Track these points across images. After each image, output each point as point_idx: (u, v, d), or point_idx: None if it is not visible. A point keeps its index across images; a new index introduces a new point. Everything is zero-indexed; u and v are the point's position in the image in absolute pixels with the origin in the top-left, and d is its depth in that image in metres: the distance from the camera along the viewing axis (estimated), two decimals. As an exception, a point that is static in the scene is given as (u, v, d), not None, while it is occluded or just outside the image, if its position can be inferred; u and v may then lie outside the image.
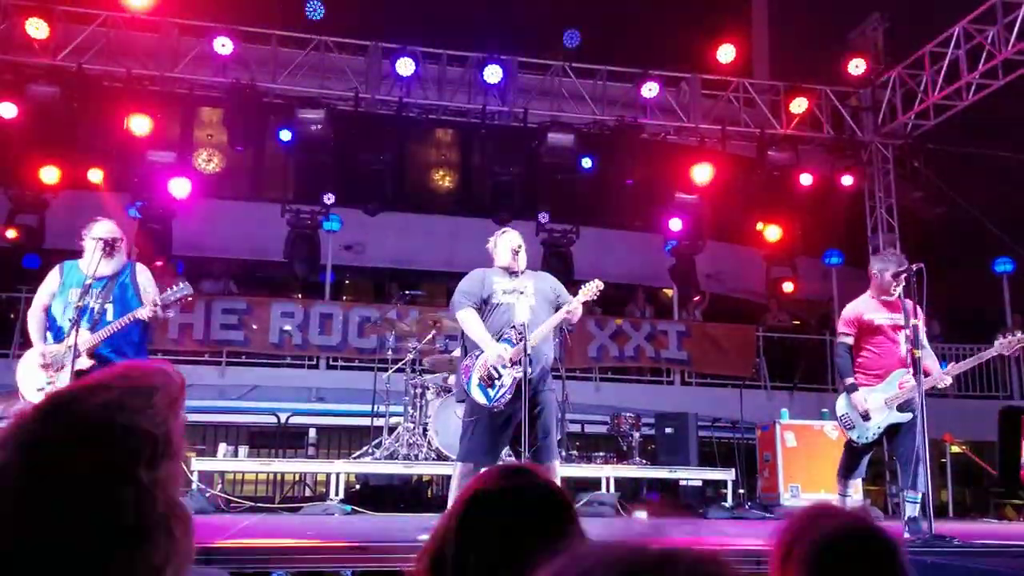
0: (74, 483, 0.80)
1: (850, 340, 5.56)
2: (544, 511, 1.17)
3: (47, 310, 5.03)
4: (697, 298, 12.93)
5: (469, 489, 1.24)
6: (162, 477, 0.84)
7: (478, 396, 4.77)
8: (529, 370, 4.59)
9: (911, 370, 5.09)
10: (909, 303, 5.22)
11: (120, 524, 0.80)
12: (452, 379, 7.29)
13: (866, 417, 5.39)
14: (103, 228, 5.00)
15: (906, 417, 5.29)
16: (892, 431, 5.41)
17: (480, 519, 1.16)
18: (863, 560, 1.34)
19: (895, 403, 5.35)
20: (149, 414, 0.86)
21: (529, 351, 4.60)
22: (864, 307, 5.57)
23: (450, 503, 3.53)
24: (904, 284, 5.32)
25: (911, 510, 5.16)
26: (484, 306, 4.92)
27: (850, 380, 5.49)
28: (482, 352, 4.81)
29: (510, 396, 4.70)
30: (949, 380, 5.34)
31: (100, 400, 0.85)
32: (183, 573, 0.87)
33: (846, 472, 5.65)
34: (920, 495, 5.11)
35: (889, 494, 8.83)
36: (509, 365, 4.70)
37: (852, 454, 5.63)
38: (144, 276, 5.14)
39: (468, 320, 4.88)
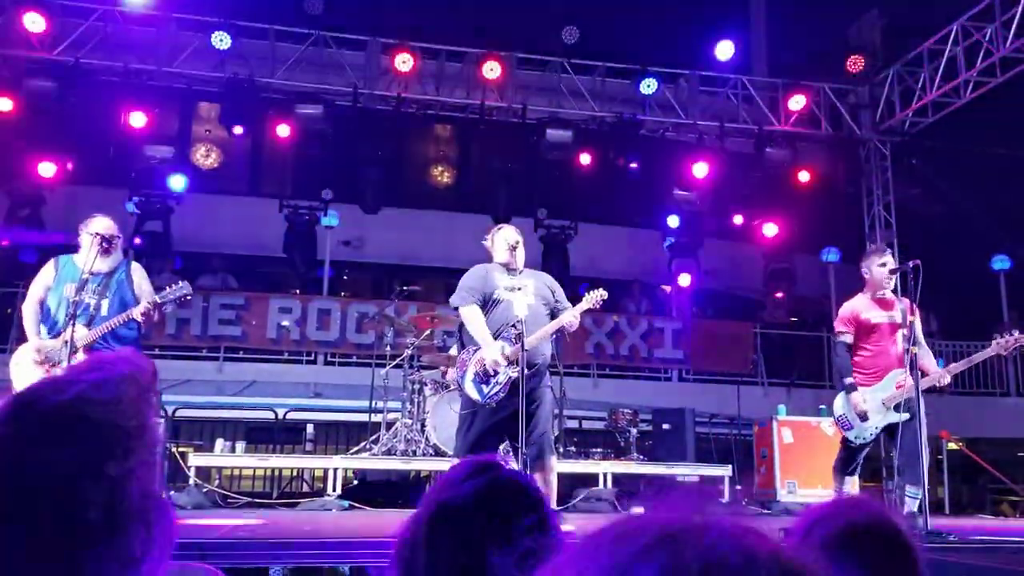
0: (40, 483, 0.78)
1: (849, 339, 5.52)
2: (513, 506, 1.14)
3: (42, 303, 5.02)
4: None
5: (429, 496, 1.18)
6: (135, 469, 0.83)
7: (472, 391, 4.78)
8: (527, 371, 4.58)
9: (907, 369, 5.09)
10: (906, 301, 5.21)
11: (90, 521, 0.78)
12: (451, 373, 7.29)
13: (864, 418, 5.38)
14: (101, 224, 4.99)
15: (904, 417, 5.28)
16: (891, 429, 5.39)
17: (446, 523, 1.12)
18: (882, 553, 1.32)
19: (892, 403, 5.34)
20: (118, 407, 0.84)
21: (527, 348, 4.60)
22: (861, 306, 5.55)
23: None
24: (900, 280, 5.32)
25: (911, 505, 5.16)
26: (485, 303, 4.90)
27: (849, 380, 5.46)
28: (479, 348, 4.81)
29: (503, 394, 4.70)
30: (948, 379, 5.33)
31: (66, 396, 0.83)
32: (164, 562, 0.86)
33: (843, 468, 5.64)
34: (919, 490, 5.12)
35: (886, 490, 8.84)
36: (505, 364, 4.69)
37: (849, 451, 5.62)
38: (139, 274, 5.14)
39: (471, 317, 4.86)
